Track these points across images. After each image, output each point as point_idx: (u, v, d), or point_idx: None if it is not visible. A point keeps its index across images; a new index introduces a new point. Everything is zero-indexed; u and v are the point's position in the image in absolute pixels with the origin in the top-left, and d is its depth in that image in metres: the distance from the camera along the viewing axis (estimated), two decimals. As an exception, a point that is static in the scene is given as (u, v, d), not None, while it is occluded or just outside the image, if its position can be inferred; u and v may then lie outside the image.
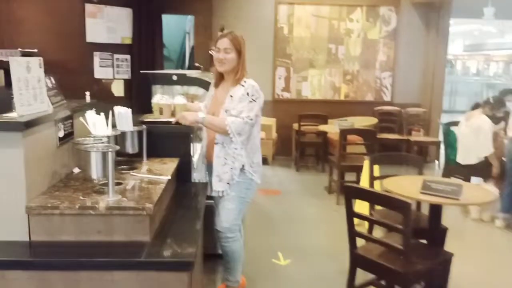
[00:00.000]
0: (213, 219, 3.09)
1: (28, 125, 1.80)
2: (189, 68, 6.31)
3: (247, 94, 2.54)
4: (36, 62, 1.99)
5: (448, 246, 2.92)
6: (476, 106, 5.03)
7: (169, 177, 2.27)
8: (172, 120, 2.68)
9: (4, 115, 1.87)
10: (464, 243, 4.11)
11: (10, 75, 3.03)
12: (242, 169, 2.61)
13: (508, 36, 18.86)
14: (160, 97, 3.00)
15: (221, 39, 2.57)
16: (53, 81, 2.31)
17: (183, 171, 2.77)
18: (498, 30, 18.68)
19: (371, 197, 2.63)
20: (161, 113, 2.92)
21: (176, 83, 3.45)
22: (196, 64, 5.54)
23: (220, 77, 2.69)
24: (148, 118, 2.93)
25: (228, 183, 2.62)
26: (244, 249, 2.92)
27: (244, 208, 2.79)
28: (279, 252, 3.67)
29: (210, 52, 6.32)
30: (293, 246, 3.84)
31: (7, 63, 4.44)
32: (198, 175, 2.93)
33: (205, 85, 3.52)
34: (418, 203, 3.35)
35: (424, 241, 2.87)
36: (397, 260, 2.43)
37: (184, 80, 3.53)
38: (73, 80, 4.33)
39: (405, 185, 2.90)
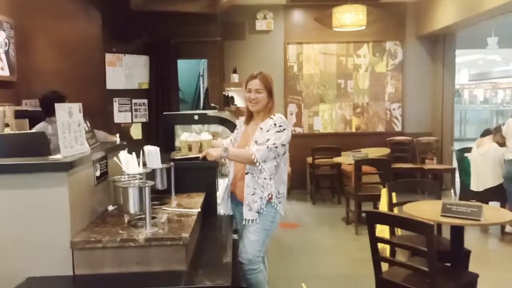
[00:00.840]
0: (237, 251, 3.17)
1: (72, 165, 1.95)
2: (204, 108, 6.54)
3: (275, 124, 2.68)
4: (76, 108, 2.17)
5: (472, 268, 2.95)
6: (486, 133, 5.12)
7: (199, 210, 2.39)
8: (200, 155, 2.81)
9: (50, 157, 2.03)
10: (488, 264, 4.10)
11: (34, 123, 3.18)
12: (269, 200, 2.71)
13: (513, 63, 19.04)
14: (188, 135, 3.16)
15: (252, 80, 2.72)
16: (89, 125, 2.49)
17: (208, 205, 2.89)
18: (503, 59, 18.91)
19: (394, 221, 2.71)
20: (189, 149, 3.07)
21: (197, 122, 3.62)
22: (212, 104, 5.76)
23: (250, 114, 2.85)
24: (177, 155, 3.09)
25: (257, 212, 2.71)
26: (267, 282, 2.98)
27: (267, 240, 2.86)
28: (302, 283, 3.70)
29: (224, 92, 6.58)
30: (316, 276, 3.88)
31: (31, 112, 4.67)
32: (223, 209, 3.03)
33: (223, 122, 3.70)
34: (439, 228, 3.41)
35: (448, 264, 2.91)
36: (423, 283, 2.48)
37: (204, 119, 3.71)
38: (94, 125, 4.55)
39: (425, 209, 2.98)
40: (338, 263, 4.21)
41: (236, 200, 2.86)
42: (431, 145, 7.18)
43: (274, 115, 2.75)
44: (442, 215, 2.80)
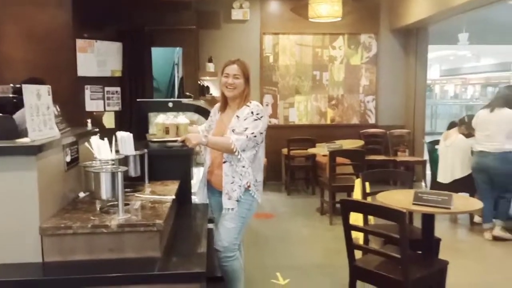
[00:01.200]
0: (212, 240, 3.15)
1: (40, 149, 1.88)
2: (179, 97, 6.45)
3: (252, 113, 2.67)
4: (45, 90, 2.09)
5: (442, 256, 3.02)
6: (452, 125, 5.24)
7: (174, 197, 2.35)
8: (178, 139, 2.77)
9: (17, 140, 1.95)
10: (457, 252, 4.22)
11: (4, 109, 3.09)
12: (247, 188, 2.69)
13: (483, 60, 19.63)
14: (165, 117, 3.09)
15: (230, 65, 2.72)
16: (58, 109, 2.41)
17: (183, 193, 2.85)
18: (473, 55, 19.45)
19: (368, 209, 2.74)
20: (166, 132, 3.00)
21: (172, 110, 3.56)
22: (187, 93, 5.69)
23: (225, 102, 2.81)
24: (153, 138, 3.02)
25: (237, 201, 2.69)
26: (243, 270, 2.97)
27: (244, 227, 2.86)
28: (277, 273, 3.69)
29: (199, 82, 6.50)
30: (291, 265, 3.90)
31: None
32: (198, 198, 3.00)
33: (199, 110, 3.66)
34: (410, 217, 3.47)
35: (419, 252, 2.97)
36: (395, 270, 2.52)
37: (179, 107, 3.66)
38: (65, 113, 4.43)
39: (397, 198, 3.03)
40: (313, 252, 4.24)
41: (212, 188, 2.84)
42: (404, 138, 7.32)
43: (250, 102, 2.73)
44: (414, 203, 2.85)
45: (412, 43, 7.27)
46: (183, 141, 2.68)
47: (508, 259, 4.12)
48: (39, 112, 2.02)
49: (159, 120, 3.08)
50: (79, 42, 5.60)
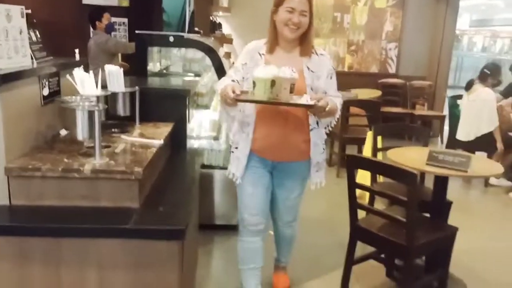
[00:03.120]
0: (206, 186, 2.96)
1: (5, 79, 1.65)
2: (189, 32, 6.09)
3: (332, 67, 2.21)
4: (17, 11, 1.83)
5: (452, 220, 2.81)
6: (469, 85, 4.82)
7: (162, 142, 2.13)
8: (317, 102, 1.95)
9: (-19, 68, 1.72)
10: (469, 215, 4.01)
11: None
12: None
13: (517, 11, 18.39)
14: (264, 70, 1.95)
15: None
16: (38, 35, 2.15)
17: (178, 137, 2.63)
18: (506, 5, 18.20)
19: (375, 167, 2.51)
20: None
21: (174, 45, 3.28)
22: (196, 29, 5.34)
23: (276, 42, 2.15)
24: (258, 96, 1.97)
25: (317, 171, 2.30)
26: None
27: None
28: (270, 232, 3.57)
29: (211, 17, 6.10)
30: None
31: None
32: (234, 170, 2.28)
33: (203, 48, 3.35)
34: (422, 176, 3.23)
35: (427, 215, 2.76)
36: (399, 234, 2.33)
37: (181, 43, 3.36)
38: (68, 44, 4.15)
39: (410, 156, 2.77)
40: (315, 206, 4.06)
41: (262, 160, 2.22)
42: (424, 90, 6.91)
43: (322, 50, 2.22)
44: (427, 164, 2.59)
45: (444, -13, 6.67)
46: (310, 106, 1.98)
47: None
48: (8, 36, 1.77)
49: (259, 74, 1.94)
50: (84, -33, 5.22)
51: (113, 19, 5.58)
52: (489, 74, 4.66)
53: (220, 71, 3.28)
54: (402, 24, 6.87)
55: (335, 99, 2.17)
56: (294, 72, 1.93)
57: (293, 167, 2.26)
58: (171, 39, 3.21)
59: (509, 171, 4.68)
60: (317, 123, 2.20)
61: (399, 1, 6.79)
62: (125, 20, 5.71)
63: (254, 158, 2.20)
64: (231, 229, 3.21)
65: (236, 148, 2.23)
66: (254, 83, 1.93)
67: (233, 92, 1.93)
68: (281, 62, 2.03)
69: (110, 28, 5.00)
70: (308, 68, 2.13)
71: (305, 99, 1.99)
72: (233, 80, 2.13)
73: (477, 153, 4.65)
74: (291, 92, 1.95)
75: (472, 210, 4.29)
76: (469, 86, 4.82)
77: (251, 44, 2.23)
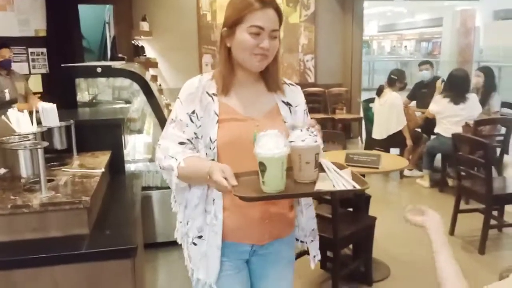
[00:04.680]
0: (147, 207, 3.08)
1: None
2: (112, 59, 6.14)
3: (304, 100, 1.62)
4: None
5: (372, 211, 3.20)
6: (380, 91, 5.40)
7: (103, 170, 2.27)
8: (358, 187, 1.38)
9: None
10: (387, 205, 4.48)
11: None
12: None
13: (418, 16, 20.24)
14: (275, 135, 1.30)
15: (265, 10, 1.38)
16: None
17: (116, 164, 2.77)
18: (409, 11, 19.98)
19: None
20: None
21: (101, 75, 3.39)
22: (120, 55, 5.43)
23: (231, 77, 1.48)
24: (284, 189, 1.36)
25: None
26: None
27: None
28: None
29: (133, 41, 6.20)
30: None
31: None
32: (203, 275, 1.54)
33: (131, 76, 3.49)
34: (343, 176, 3.60)
35: (351, 209, 3.13)
36: (327, 228, 2.64)
37: (109, 73, 3.48)
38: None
39: (329, 159, 3.11)
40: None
41: (244, 247, 1.53)
42: (342, 96, 7.51)
43: (287, 80, 1.61)
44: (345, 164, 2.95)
45: (349, 0, 7.32)
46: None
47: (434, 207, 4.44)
48: None
49: (268, 152, 1.26)
50: (-4, -1, 5.12)
51: (31, 50, 5.52)
52: (396, 79, 5.24)
53: (149, 96, 3.46)
54: (315, 37, 7.42)
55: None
56: (314, 135, 1.35)
57: (277, 247, 1.58)
58: (99, 70, 3.32)
59: (419, 163, 5.29)
60: None
61: (310, 16, 7.34)
62: (44, 50, 5.64)
63: (225, 248, 1.49)
64: (173, 245, 3.38)
65: (200, 237, 1.50)
66: (263, 165, 1.26)
67: (225, 178, 1.26)
68: (246, 104, 1.49)
69: (6, 64, 4.40)
70: (285, 104, 1.54)
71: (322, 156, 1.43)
72: (183, 143, 1.45)
73: (391, 149, 5.21)
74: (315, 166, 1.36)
75: (390, 200, 4.79)
76: (379, 91, 5.37)
77: (191, 83, 1.50)
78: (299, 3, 7.26)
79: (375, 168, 2.91)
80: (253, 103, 1.51)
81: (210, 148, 1.44)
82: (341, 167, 1.44)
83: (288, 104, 1.55)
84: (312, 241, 1.67)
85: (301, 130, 1.35)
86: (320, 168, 1.40)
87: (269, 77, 1.52)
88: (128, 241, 1.84)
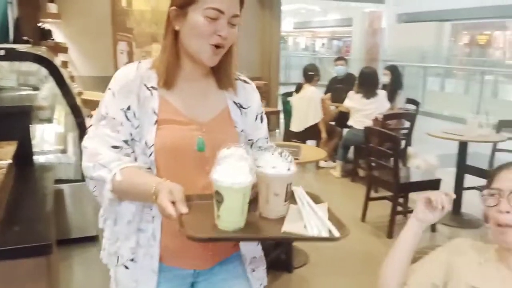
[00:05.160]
0: (60, 202, 2.89)
1: None
2: (15, 42, 5.61)
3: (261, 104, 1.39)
4: None
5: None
6: (299, 88, 5.60)
7: (11, 161, 2.07)
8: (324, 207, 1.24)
9: None
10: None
11: None
12: None
13: (330, 15, 21.16)
14: (240, 157, 1.06)
15: None
16: None
17: (24, 155, 2.54)
18: (322, 9, 20.82)
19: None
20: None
21: (5, 59, 3.08)
22: (25, 38, 4.99)
23: (176, 69, 1.23)
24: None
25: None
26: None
27: None
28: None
29: (39, 24, 5.71)
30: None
31: None
32: None
33: (38, 60, 3.22)
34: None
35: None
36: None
37: (14, 56, 3.18)
38: None
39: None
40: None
41: (185, 272, 1.29)
42: (261, 89, 7.49)
43: (242, 75, 1.39)
44: (267, 155, 3.01)
45: (267, -4, 7.45)
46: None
47: (346, 196, 4.72)
48: None
49: (229, 180, 1.00)
50: None
51: None
52: (313, 74, 5.44)
53: (60, 82, 3.22)
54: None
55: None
56: (289, 160, 1.12)
57: (224, 266, 1.33)
58: (2, 52, 3.02)
59: (333, 154, 5.56)
60: None
61: (230, 8, 7.32)
62: None
63: (163, 272, 1.25)
64: (89, 240, 3.22)
65: (132, 260, 1.25)
66: (219, 195, 1.01)
67: (174, 202, 1.02)
68: (190, 103, 1.24)
69: None
70: (236, 105, 1.31)
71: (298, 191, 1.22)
72: (117, 146, 1.18)
73: (308, 141, 5.41)
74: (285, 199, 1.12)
75: (306, 189, 4.97)
76: (298, 89, 5.56)
77: (127, 71, 1.22)
78: (219, -6, 7.21)
79: (296, 159, 2.98)
80: (200, 102, 1.25)
81: (146, 155, 1.18)
82: (316, 199, 1.21)
83: (239, 105, 1.31)
84: (253, 270, 1.37)
85: (272, 154, 1.10)
86: (291, 197, 1.15)
87: (221, 72, 1.28)
88: (42, 237, 1.70)
